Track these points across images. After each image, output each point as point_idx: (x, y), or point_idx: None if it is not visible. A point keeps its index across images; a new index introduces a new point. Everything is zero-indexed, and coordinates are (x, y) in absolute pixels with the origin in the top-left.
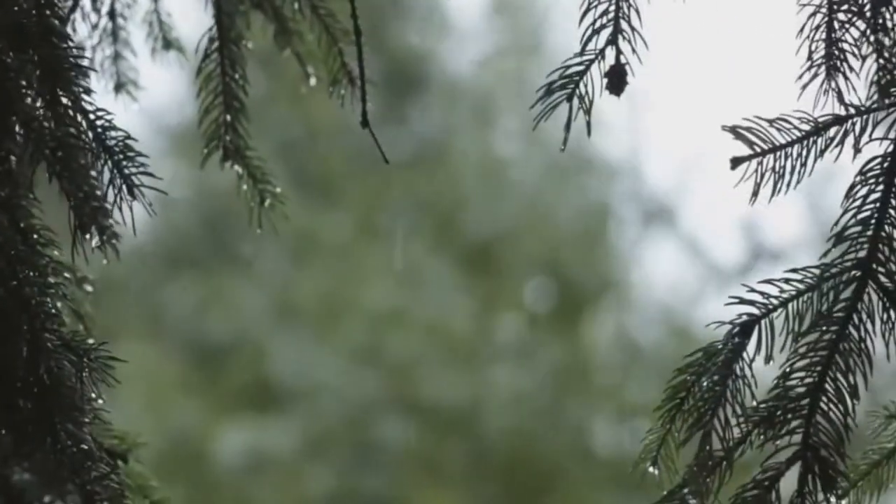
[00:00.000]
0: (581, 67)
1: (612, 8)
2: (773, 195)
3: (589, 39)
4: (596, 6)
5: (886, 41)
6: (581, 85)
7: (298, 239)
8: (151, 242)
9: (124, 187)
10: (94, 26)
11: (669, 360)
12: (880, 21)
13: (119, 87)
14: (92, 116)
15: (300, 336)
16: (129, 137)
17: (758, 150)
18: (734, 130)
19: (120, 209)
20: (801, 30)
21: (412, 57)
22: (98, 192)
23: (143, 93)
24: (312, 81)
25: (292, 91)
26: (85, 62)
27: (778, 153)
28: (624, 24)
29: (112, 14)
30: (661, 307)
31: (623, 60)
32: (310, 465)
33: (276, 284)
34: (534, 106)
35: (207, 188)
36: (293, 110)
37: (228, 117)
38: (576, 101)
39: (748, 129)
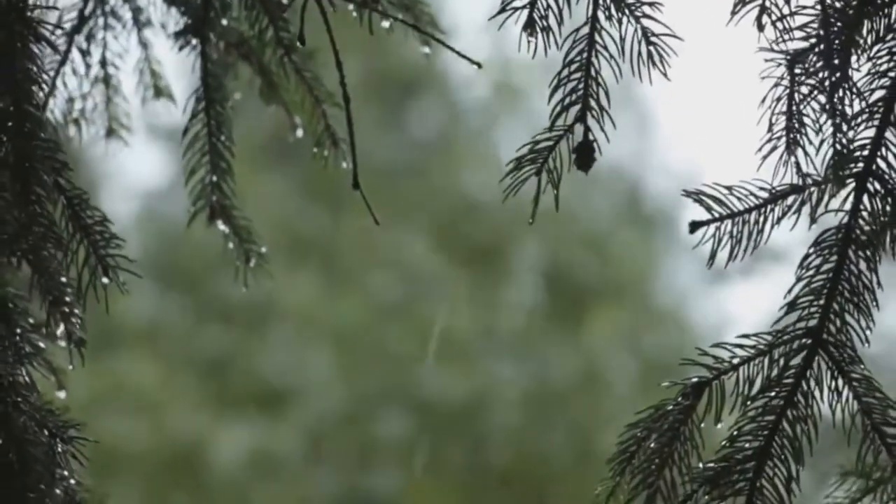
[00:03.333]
0: (550, 143)
1: (581, 86)
2: (729, 260)
3: (558, 115)
4: (566, 84)
5: (844, 126)
6: (550, 160)
7: (296, 240)
8: (148, 248)
9: (99, 268)
10: (86, 74)
11: (669, 360)
12: (837, 103)
13: (110, 132)
14: (70, 195)
15: (298, 336)
16: (105, 219)
17: (716, 215)
18: (694, 195)
19: (94, 288)
20: (763, 100)
21: (414, 60)
22: (67, 298)
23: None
24: (300, 133)
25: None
26: (60, 156)
27: (736, 219)
28: (592, 102)
29: (103, 62)
30: (662, 308)
31: (591, 137)
32: (311, 467)
33: (273, 285)
34: (503, 179)
35: None
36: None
37: (214, 178)
38: (545, 175)
39: (708, 195)
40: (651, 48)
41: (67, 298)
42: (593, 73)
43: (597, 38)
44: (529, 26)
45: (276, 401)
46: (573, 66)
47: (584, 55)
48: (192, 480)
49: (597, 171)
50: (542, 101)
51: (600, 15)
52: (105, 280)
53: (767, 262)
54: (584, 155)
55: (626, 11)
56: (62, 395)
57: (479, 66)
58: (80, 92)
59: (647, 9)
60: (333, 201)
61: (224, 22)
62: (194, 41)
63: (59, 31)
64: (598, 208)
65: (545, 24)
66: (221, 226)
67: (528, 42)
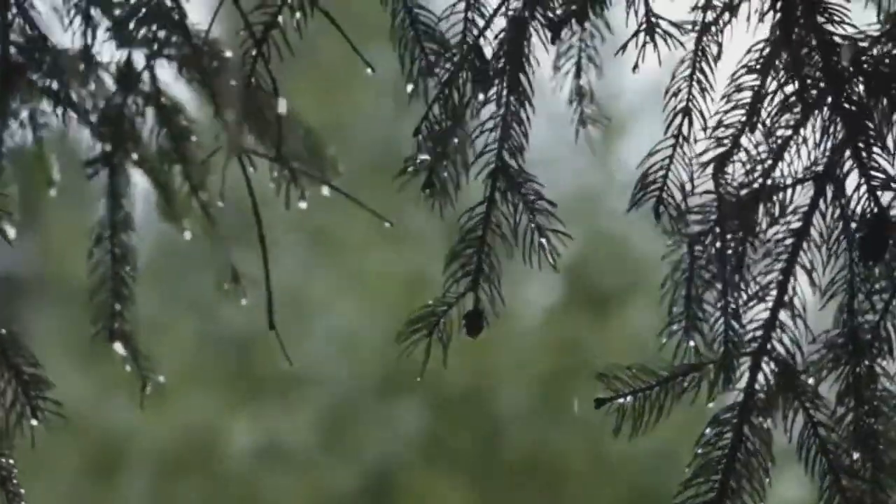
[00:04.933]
0: (443, 308)
1: (475, 258)
2: (632, 434)
3: (451, 284)
4: (459, 258)
5: (735, 322)
6: (441, 324)
7: (316, 233)
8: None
9: (28, 409)
10: None
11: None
12: (731, 300)
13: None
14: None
15: (314, 325)
16: (36, 362)
17: (619, 392)
18: (599, 377)
19: (21, 429)
20: (663, 284)
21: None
22: None
23: None
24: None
25: (315, 84)
26: None
27: (638, 395)
28: (483, 275)
29: None
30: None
31: (481, 306)
32: (324, 457)
33: (292, 277)
34: (397, 340)
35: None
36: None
37: (118, 306)
38: (435, 337)
39: (613, 376)
40: (543, 240)
41: None
42: (486, 249)
43: (491, 217)
44: (428, 186)
45: (290, 390)
46: (467, 241)
47: (479, 232)
48: (205, 469)
49: (621, 171)
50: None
51: (497, 197)
52: (34, 422)
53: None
54: (473, 323)
55: (521, 203)
56: None
57: (392, 224)
58: None
59: (543, 203)
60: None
61: (135, 156)
62: (103, 171)
63: None
64: (622, 208)
65: (443, 188)
66: (121, 350)
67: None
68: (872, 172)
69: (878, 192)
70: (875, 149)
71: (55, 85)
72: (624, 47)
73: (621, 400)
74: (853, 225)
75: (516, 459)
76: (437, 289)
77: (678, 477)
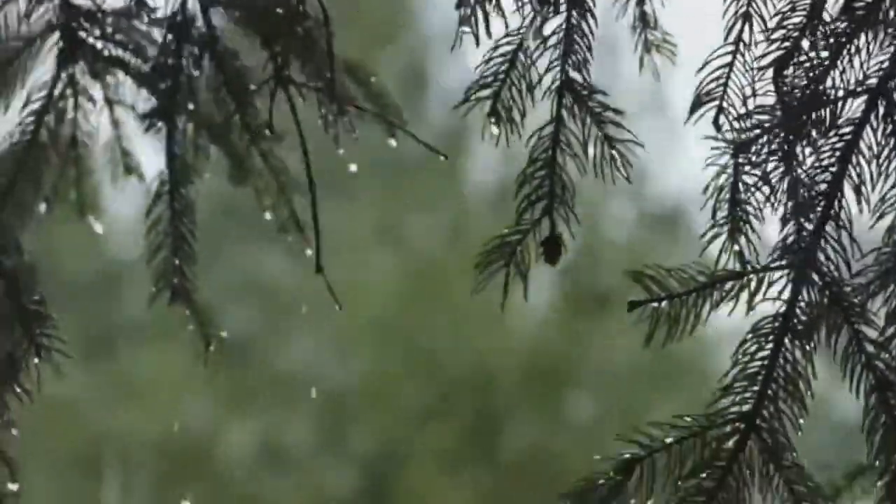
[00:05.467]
0: (518, 237)
1: (547, 182)
2: (666, 340)
3: (524, 211)
4: (531, 181)
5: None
6: (518, 252)
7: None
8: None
9: (33, 348)
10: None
11: (682, 361)
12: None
13: (82, 210)
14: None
15: (312, 325)
16: (42, 300)
17: (654, 295)
18: (634, 275)
19: (27, 366)
20: (706, 188)
21: (429, 53)
22: None
23: None
24: (268, 215)
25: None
26: None
27: (674, 301)
28: (557, 198)
29: (73, 143)
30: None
31: (557, 231)
32: (325, 457)
33: (289, 276)
34: (475, 269)
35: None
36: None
37: (177, 261)
38: (513, 267)
39: (648, 276)
40: (614, 152)
41: None
42: (558, 170)
43: (560, 136)
44: (494, 114)
45: (289, 390)
46: (538, 164)
47: (549, 153)
48: (204, 470)
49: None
50: None
51: (564, 114)
52: (36, 360)
53: None
54: (552, 248)
55: (589, 116)
56: (14, 487)
57: (446, 157)
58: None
59: (610, 114)
60: (346, 190)
61: (191, 106)
62: (160, 123)
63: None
64: (623, 211)
65: (509, 115)
66: (183, 310)
67: (492, 132)
68: None
69: None
70: None
71: (114, 49)
72: None
73: (655, 305)
74: None
75: (516, 459)
76: (437, 287)
77: None
